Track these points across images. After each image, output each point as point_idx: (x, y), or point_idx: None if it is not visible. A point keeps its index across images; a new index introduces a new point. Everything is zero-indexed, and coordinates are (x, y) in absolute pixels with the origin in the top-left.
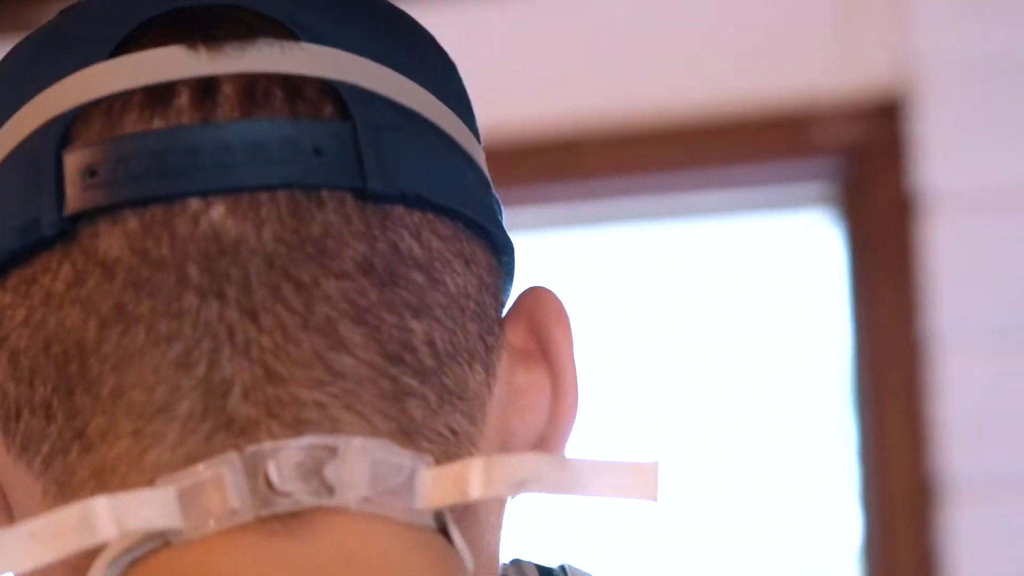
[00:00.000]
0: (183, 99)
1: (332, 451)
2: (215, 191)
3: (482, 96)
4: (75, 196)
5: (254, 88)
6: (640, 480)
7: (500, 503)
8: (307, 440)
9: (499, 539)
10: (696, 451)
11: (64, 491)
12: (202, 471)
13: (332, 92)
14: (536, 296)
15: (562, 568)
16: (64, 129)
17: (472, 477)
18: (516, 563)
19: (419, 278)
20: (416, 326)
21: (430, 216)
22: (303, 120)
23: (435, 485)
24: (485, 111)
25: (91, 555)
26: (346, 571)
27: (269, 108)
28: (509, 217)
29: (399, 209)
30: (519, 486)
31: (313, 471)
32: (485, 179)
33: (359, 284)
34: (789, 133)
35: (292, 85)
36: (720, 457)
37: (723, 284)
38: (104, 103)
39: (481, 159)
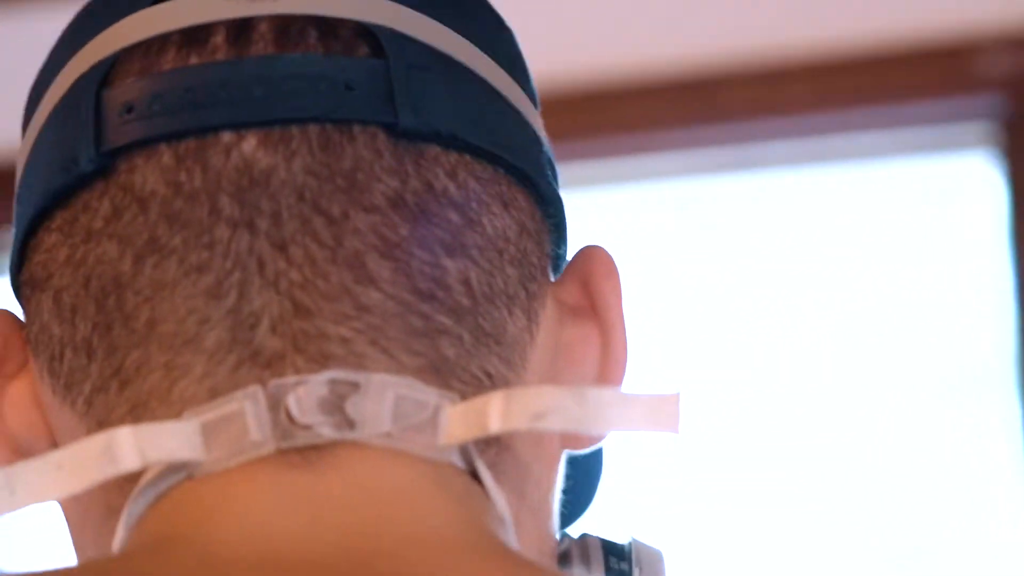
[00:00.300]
0: (219, 38)
1: (354, 386)
2: (247, 124)
3: (615, 33)
4: (112, 132)
5: (289, 27)
6: (663, 412)
7: (549, 455)
8: (329, 374)
9: (549, 496)
10: (846, 416)
11: (104, 429)
12: (225, 404)
13: (367, 34)
14: (588, 254)
15: (631, 544)
16: (104, 72)
17: (491, 410)
18: (583, 537)
19: (454, 216)
20: (450, 264)
21: (468, 158)
22: (336, 57)
23: (458, 421)
24: (617, 49)
25: (126, 495)
26: (365, 505)
27: (302, 46)
28: (646, 164)
29: (434, 148)
30: (539, 418)
31: (335, 405)
32: (534, 134)
33: (389, 219)
34: (946, 67)
35: (327, 25)
36: (871, 421)
37: (875, 234)
38: (143, 45)
39: (534, 118)
